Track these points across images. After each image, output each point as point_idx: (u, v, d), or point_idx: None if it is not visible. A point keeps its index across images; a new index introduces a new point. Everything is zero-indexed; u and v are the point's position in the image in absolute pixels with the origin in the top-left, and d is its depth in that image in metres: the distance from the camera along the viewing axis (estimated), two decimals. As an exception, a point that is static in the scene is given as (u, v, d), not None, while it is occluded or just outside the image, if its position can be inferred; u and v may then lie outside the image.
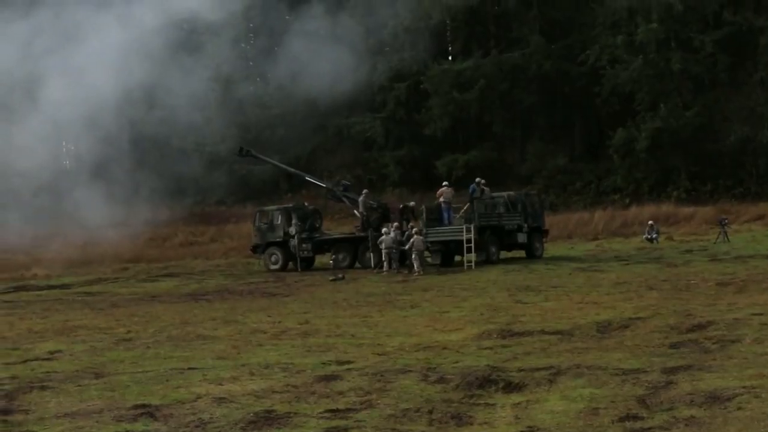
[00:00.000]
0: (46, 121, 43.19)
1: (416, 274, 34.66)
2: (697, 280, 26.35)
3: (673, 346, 15.06)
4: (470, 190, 39.02)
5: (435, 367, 13.97)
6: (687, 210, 51.89)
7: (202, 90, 47.19)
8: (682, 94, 58.02)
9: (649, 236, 44.32)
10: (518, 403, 11.46)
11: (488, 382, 12.63)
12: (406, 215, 40.17)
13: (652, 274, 29.15)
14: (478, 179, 40.16)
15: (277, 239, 41.80)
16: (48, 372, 15.23)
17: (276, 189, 62.33)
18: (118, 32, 43.21)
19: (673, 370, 12.80)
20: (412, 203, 42.30)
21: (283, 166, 49.22)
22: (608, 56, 58.30)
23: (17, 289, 36.23)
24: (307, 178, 47.38)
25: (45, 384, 14.02)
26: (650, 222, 45.69)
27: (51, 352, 17.63)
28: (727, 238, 42.06)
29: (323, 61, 47.24)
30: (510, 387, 12.37)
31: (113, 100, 43.36)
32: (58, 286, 36.58)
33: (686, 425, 10.05)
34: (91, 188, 44.74)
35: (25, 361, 16.60)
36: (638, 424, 10.19)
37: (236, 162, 55.81)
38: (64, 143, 56.31)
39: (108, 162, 47.30)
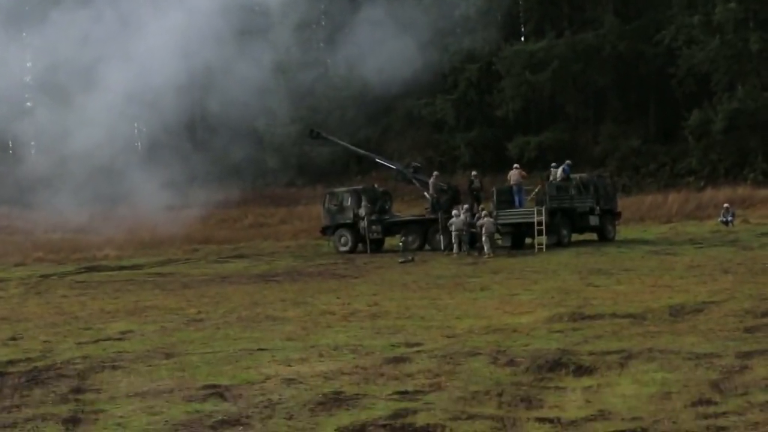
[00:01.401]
0: (106, 105, 43.53)
1: (486, 256, 34.48)
2: (773, 264, 25.89)
3: (747, 330, 14.80)
4: (561, 170, 38.58)
5: (505, 350, 13.87)
6: (763, 192, 50.84)
7: (270, 73, 47.23)
8: (760, 75, 56.84)
9: (724, 219, 43.54)
10: (589, 387, 11.32)
11: (559, 365, 12.51)
12: (475, 188, 39.98)
13: (727, 258, 28.68)
14: (568, 161, 39.86)
15: (347, 221, 41.77)
16: (119, 352, 15.39)
17: (346, 171, 62.36)
18: (181, 16, 43.39)
19: (748, 355, 12.58)
20: (474, 173, 42.04)
21: (353, 147, 49.10)
22: (684, 37, 57.19)
23: (89, 269, 36.69)
24: (377, 159, 47.27)
25: (116, 364, 14.17)
26: (726, 205, 44.88)
27: (122, 332, 17.84)
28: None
29: (392, 43, 47.05)
30: (581, 370, 12.22)
31: (176, 84, 43.54)
32: (129, 267, 36.97)
33: (761, 410, 9.84)
34: (152, 170, 45.14)
35: (96, 341, 16.81)
36: (711, 409, 9.99)
37: (306, 144, 55.89)
38: (136, 125, 56.83)
39: (169, 144, 47.57)
